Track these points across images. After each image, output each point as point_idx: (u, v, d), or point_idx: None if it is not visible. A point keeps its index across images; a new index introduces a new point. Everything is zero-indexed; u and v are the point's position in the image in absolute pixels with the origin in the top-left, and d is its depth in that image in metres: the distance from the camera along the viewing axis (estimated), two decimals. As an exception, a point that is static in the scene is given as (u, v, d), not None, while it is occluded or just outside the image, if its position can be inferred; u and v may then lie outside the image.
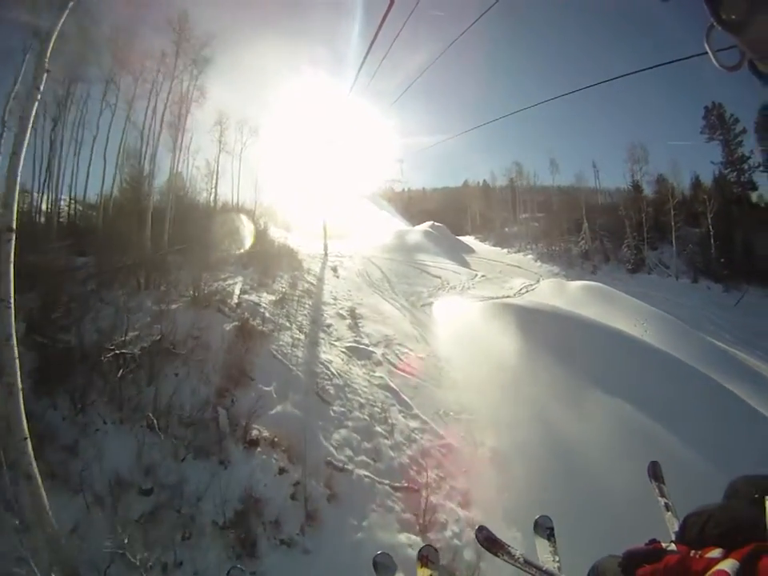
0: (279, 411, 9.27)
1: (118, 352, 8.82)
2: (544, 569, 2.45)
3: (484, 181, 46.64)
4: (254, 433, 8.53)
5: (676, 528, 2.23)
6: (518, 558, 2.45)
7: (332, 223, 26.41)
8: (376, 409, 10.15)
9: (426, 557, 2.79)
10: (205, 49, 19.90)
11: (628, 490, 6.30)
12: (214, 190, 25.32)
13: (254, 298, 12.22)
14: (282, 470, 8.11)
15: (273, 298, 12.60)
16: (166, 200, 18.55)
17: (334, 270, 19.71)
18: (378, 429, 9.67)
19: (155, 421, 8.03)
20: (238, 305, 11.49)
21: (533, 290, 24.22)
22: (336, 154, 26.48)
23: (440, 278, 24.09)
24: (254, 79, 30.82)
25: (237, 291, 12.24)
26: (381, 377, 11.01)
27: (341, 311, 13.65)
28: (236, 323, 10.57)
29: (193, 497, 7.24)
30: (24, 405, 5.70)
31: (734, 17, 0.95)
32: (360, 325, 13.17)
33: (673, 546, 1.62)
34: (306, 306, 13.15)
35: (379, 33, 4.67)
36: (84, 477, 6.98)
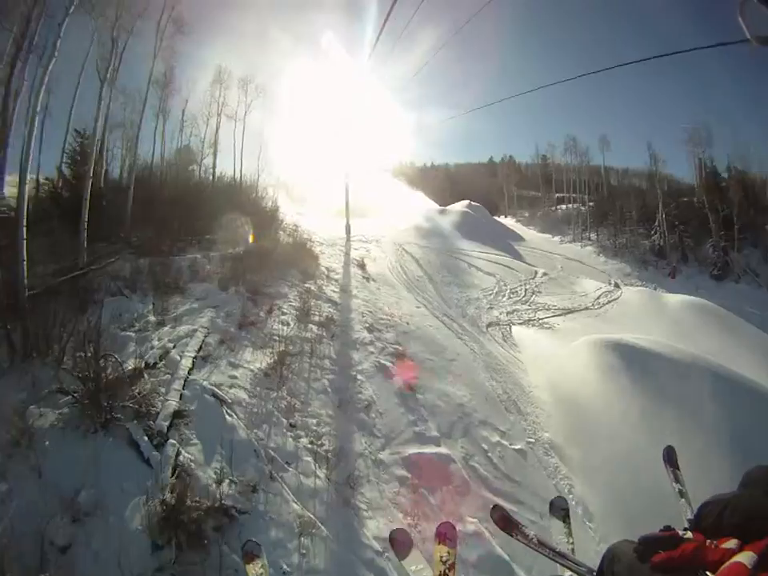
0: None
1: None
2: (557, 550, 2.41)
3: (510, 157, 40.71)
4: None
5: (689, 515, 2.31)
6: (532, 538, 2.43)
7: (353, 199, 20.40)
8: None
9: (444, 534, 2.60)
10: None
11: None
12: (199, 164, 19.62)
13: (219, 376, 6.12)
14: None
15: (260, 365, 6.53)
16: (130, 180, 12.80)
17: (361, 266, 13.93)
18: None
19: None
20: (178, 415, 5.10)
21: (614, 299, 18.46)
22: (354, 123, 20.50)
23: (494, 276, 18.36)
24: (262, 34, 24.45)
25: (185, 363, 6.04)
26: (475, 530, 5.36)
27: (383, 360, 7.89)
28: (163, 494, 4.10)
29: None
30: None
31: None
32: (418, 391, 7.48)
33: (689, 534, 1.61)
34: (326, 364, 7.14)
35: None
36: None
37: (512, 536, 2.57)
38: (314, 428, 5.82)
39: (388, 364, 7.99)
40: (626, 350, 10.25)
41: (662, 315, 16.42)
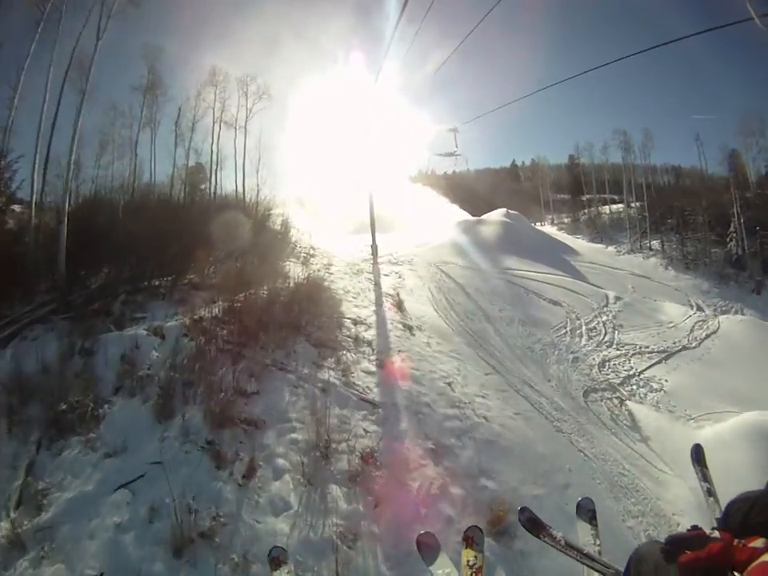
0: None
1: None
2: (585, 552, 2.38)
3: (544, 157, 36.72)
4: None
5: (718, 514, 2.14)
6: (560, 540, 2.37)
7: (376, 212, 16.68)
8: None
9: (471, 538, 2.60)
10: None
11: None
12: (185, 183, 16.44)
13: None
14: None
15: None
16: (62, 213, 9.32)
17: (398, 305, 10.18)
18: None
19: None
20: None
21: (713, 332, 14.50)
22: (371, 129, 17.09)
23: (561, 305, 14.53)
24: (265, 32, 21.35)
25: None
26: None
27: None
28: None
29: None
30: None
31: None
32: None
33: (716, 534, 1.55)
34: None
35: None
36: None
37: (539, 538, 2.41)
38: None
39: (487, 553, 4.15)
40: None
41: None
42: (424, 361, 7.62)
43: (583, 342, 12.28)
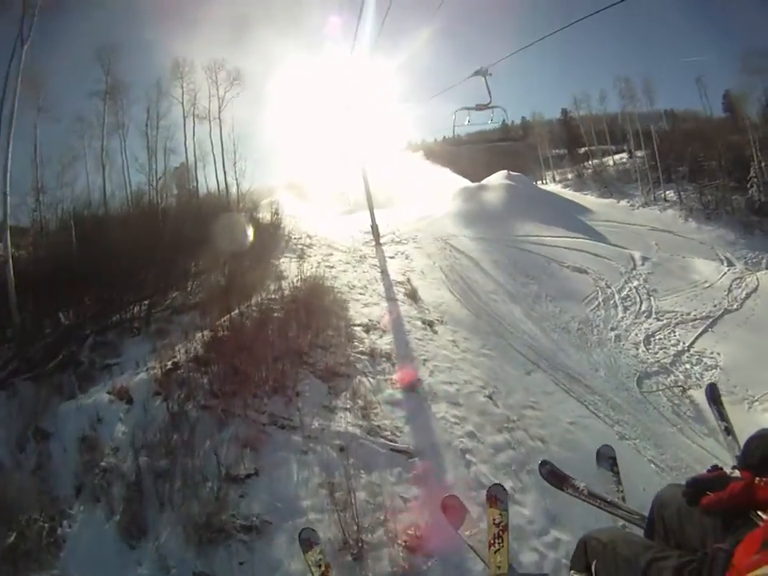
0: None
1: None
2: (609, 500, 2.35)
3: (523, 118, 34.52)
4: None
5: (737, 452, 2.16)
6: (582, 490, 2.35)
7: (372, 188, 14.98)
8: None
9: (495, 496, 2.45)
10: None
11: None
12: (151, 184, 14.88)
13: None
14: None
15: None
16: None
17: (411, 295, 8.74)
18: None
19: None
20: None
21: (753, 291, 13.16)
22: (355, 102, 15.27)
23: (587, 272, 13.13)
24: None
25: None
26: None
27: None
28: None
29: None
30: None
31: None
32: None
33: (736, 473, 1.53)
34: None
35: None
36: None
37: (563, 490, 2.38)
38: None
39: None
40: None
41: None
42: (455, 368, 6.22)
43: (620, 314, 10.94)
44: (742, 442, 1.92)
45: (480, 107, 7.70)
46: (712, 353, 9.80)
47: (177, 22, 16.92)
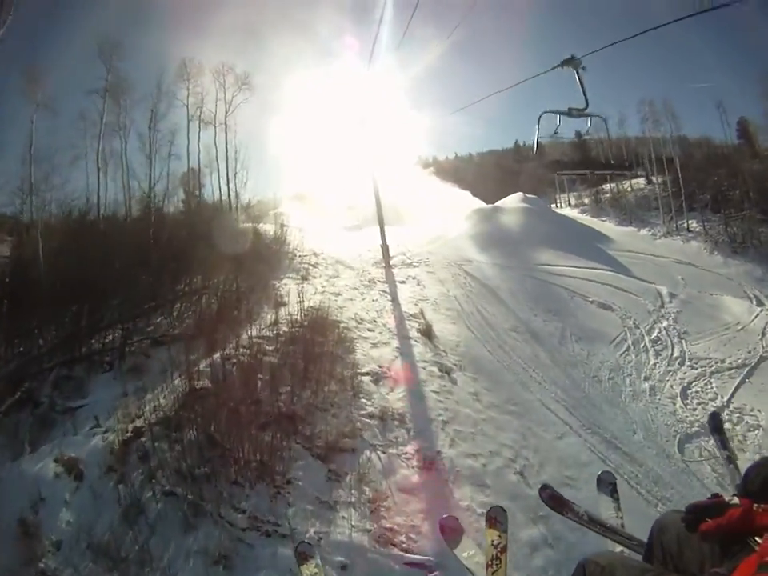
0: None
1: None
2: (608, 525, 2.34)
3: (555, 133, 33.65)
4: None
5: (737, 481, 2.14)
6: (582, 515, 2.34)
7: (383, 204, 14.20)
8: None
9: (494, 518, 2.48)
10: None
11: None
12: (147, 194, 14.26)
13: None
14: None
15: None
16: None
17: (425, 332, 7.86)
18: None
19: None
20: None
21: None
22: (368, 117, 14.64)
23: (612, 309, 12.17)
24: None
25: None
26: None
27: None
28: None
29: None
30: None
31: None
32: None
33: (736, 500, 1.50)
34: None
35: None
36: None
37: (562, 514, 2.36)
38: None
39: None
40: None
41: None
42: (479, 434, 5.31)
43: (651, 359, 9.96)
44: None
45: (576, 113, 5.71)
46: (752, 409, 8.80)
47: (187, 24, 16.47)
